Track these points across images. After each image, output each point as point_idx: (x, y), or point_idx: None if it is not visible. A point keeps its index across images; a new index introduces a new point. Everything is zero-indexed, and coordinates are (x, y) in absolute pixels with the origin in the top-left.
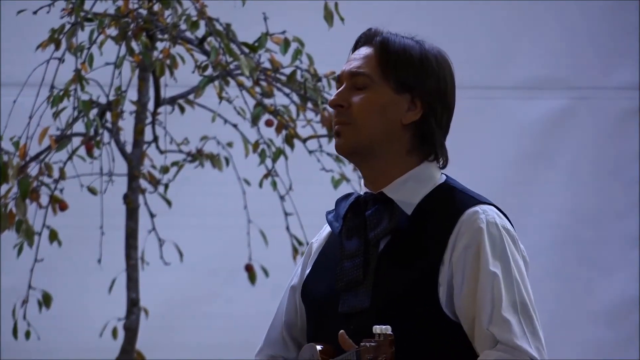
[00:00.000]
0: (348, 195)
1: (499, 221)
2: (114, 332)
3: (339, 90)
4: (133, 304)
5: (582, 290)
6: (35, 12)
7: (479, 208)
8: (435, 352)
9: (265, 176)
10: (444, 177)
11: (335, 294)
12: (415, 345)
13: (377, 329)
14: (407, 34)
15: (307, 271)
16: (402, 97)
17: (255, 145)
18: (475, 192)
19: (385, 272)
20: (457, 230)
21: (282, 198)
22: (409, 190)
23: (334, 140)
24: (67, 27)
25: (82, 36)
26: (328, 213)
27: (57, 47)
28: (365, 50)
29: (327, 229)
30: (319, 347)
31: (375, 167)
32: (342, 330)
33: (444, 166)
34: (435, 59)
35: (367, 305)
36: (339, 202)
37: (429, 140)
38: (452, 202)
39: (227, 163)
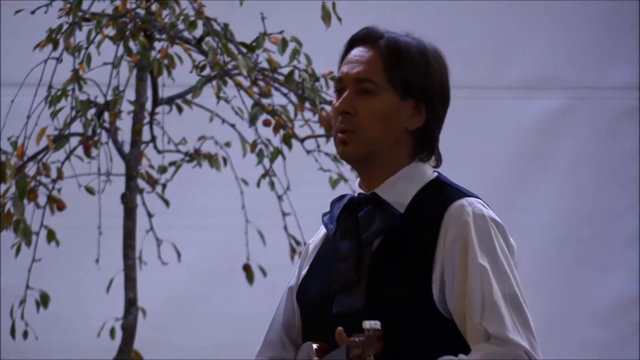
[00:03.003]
0: (342, 197)
1: (486, 212)
2: (112, 332)
3: (344, 96)
4: (131, 304)
5: (580, 290)
6: (33, 12)
7: (464, 201)
8: (430, 350)
9: (263, 176)
10: (436, 174)
11: (330, 295)
12: (409, 344)
13: (367, 324)
14: (405, 32)
15: (304, 272)
16: (406, 102)
17: (253, 145)
18: (466, 188)
19: (379, 272)
20: (444, 225)
21: (279, 198)
22: (401, 189)
23: (332, 141)
24: (65, 27)
25: (80, 36)
26: (324, 215)
27: (55, 47)
28: (367, 53)
29: (323, 230)
30: (315, 346)
31: (378, 171)
32: (340, 327)
33: (437, 165)
34: (436, 60)
35: (360, 305)
36: (333, 203)
37: (430, 143)
38: (439, 197)
39: (225, 163)
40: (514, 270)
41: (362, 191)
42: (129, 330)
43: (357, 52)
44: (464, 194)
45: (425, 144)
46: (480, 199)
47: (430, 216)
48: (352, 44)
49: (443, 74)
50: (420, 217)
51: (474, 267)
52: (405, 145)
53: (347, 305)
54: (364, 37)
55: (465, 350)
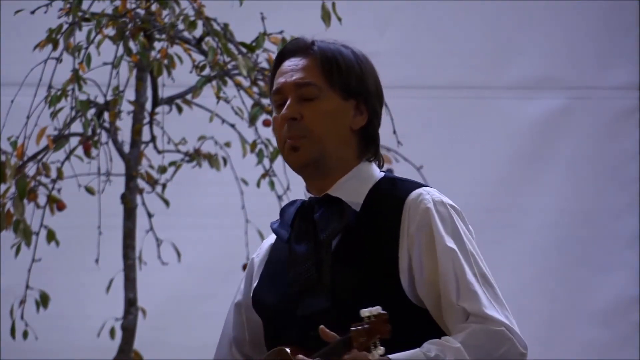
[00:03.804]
0: (292, 203)
1: (445, 199)
2: (112, 332)
3: (288, 103)
4: (130, 304)
5: (580, 290)
6: (33, 12)
7: (422, 190)
8: (404, 340)
9: (263, 176)
10: (382, 174)
11: (289, 300)
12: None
13: (366, 311)
14: (332, 40)
15: (254, 284)
16: (348, 103)
17: (253, 145)
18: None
19: (342, 271)
20: (405, 215)
21: (279, 198)
22: (352, 188)
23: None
24: (65, 27)
25: (80, 36)
26: (273, 224)
27: (55, 47)
28: (301, 62)
29: (267, 242)
30: (288, 349)
31: (326, 174)
32: (321, 325)
33: (381, 166)
34: (366, 61)
35: (328, 305)
36: (283, 210)
37: (374, 142)
38: (395, 190)
39: (225, 163)
40: (478, 252)
41: (312, 195)
42: (128, 330)
43: (290, 62)
44: (418, 184)
45: (369, 143)
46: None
47: (389, 209)
48: (281, 58)
49: (375, 75)
50: (377, 212)
51: (443, 251)
52: (352, 146)
53: (313, 307)
54: (294, 49)
55: (439, 337)
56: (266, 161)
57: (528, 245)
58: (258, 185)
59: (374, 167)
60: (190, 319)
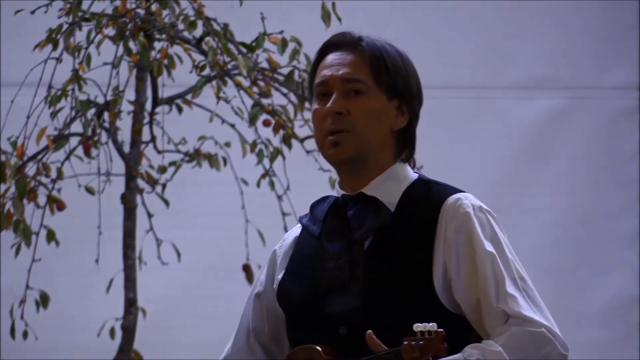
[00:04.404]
0: (324, 199)
1: (482, 204)
2: (112, 332)
3: (334, 97)
4: (131, 304)
5: (580, 290)
6: (33, 12)
7: (460, 195)
8: None
9: (263, 176)
10: (417, 175)
11: (316, 296)
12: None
13: (420, 326)
14: (376, 37)
15: (279, 276)
16: (392, 103)
17: (253, 145)
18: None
19: (375, 270)
20: (442, 218)
21: (279, 198)
22: (388, 188)
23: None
24: (65, 27)
25: (80, 36)
26: (302, 218)
27: (55, 47)
28: (348, 56)
29: (291, 235)
30: (319, 348)
31: (365, 172)
32: (369, 331)
33: (413, 167)
34: (409, 62)
35: (358, 304)
36: (314, 205)
37: (411, 144)
38: (431, 193)
39: (225, 163)
40: (516, 256)
41: (345, 192)
42: (128, 330)
43: (336, 56)
44: (455, 189)
45: (407, 144)
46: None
47: (425, 211)
48: (325, 50)
49: (416, 75)
50: (412, 214)
51: (482, 255)
52: (390, 147)
53: (343, 305)
54: (339, 43)
55: (468, 343)
56: (266, 161)
57: (528, 245)
58: (258, 185)
59: (408, 168)
60: (190, 319)
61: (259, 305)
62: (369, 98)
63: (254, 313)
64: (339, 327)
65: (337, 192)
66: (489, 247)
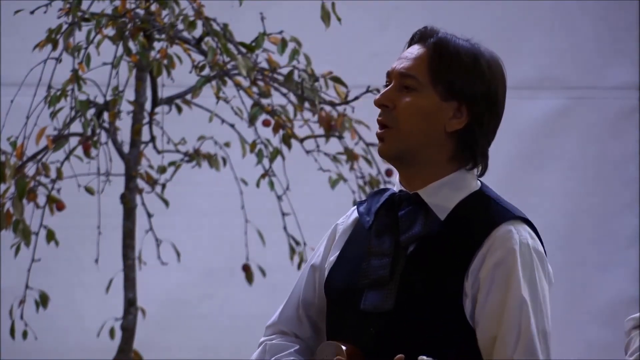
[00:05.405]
0: (382, 191)
1: (531, 243)
2: (112, 332)
3: (386, 89)
4: (130, 304)
5: (580, 290)
6: (32, 12)
7: (512, 227)
8: (453, 356)
9: (263, 176)
10: (479, 184)
11: (355, 289)
12: (434, 349)
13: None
14: (463, 35)
15: (332, 259)
16: (448, 104)
17: (253, 145)
18: (509, 203)
19: (412, 275)
20: (488, 245)
21: (279, 198)
22: (444, 196)
23: (331, 141)
24: (65, 27)
25: (80, 36)
26: (360, 203)
27: (55, 47)
28: (417, 50)
29: (354, 215)
30: (344, 347)
31: (415, 170)
32: (401, 355)
33: (481, 174)
34: (488, 63)
35: (390, 306)
36: (371, 195)
37: (471, 148)
38: (485, 212)
39: (225, 163)
40: (548, 306)
41: (403, 188)
42: (128, 330)
43: (411, 49)
44: (512, 215)
45: (465, 148)
46: (527, 219)
47: (474, 230)
48: (410, 41)
49: (495, 80)
50: (461, 228)
51: (514, 298)
52: (445, 148)
53: (376, 304)
54: (420, 35)
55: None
56: (266, 161)
57: None
58: (257, 185)
59: (471, 177)
60: (189, 319)
61: (313, 276)
62: (418, 95)
63: (306, 283)
64: (370, 325)
65: (396, 185)
66: (524, 292)
